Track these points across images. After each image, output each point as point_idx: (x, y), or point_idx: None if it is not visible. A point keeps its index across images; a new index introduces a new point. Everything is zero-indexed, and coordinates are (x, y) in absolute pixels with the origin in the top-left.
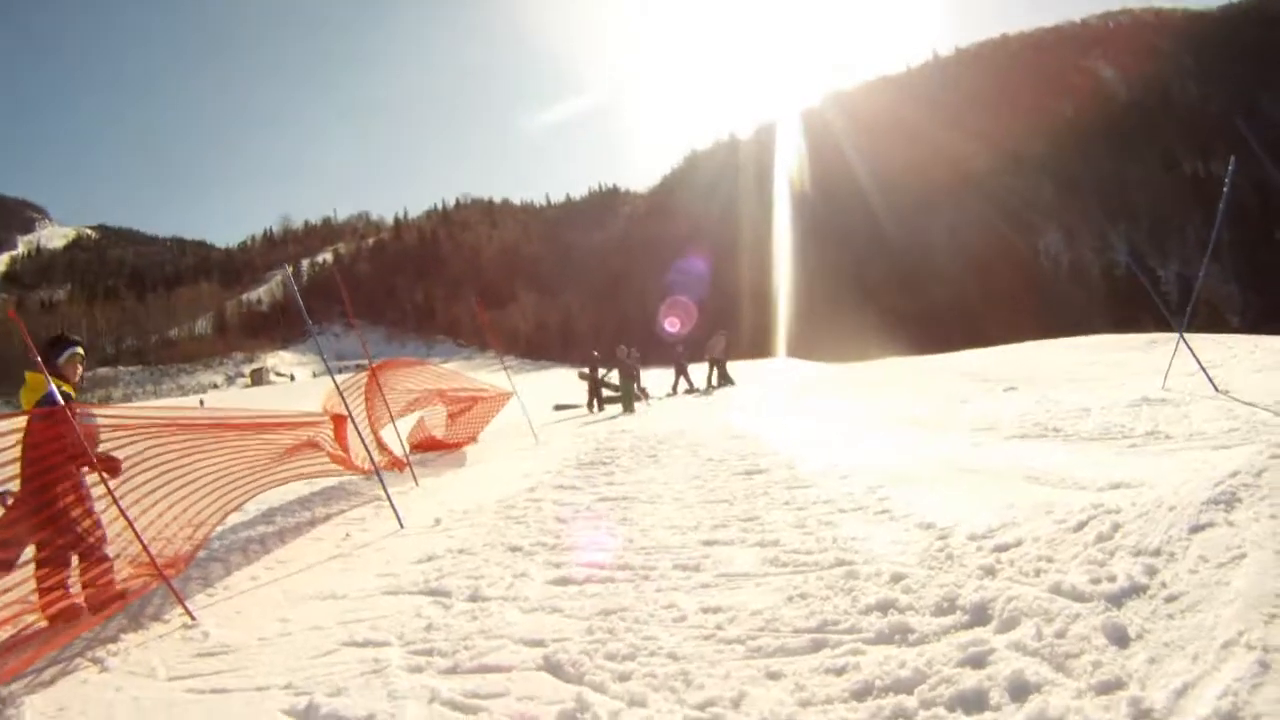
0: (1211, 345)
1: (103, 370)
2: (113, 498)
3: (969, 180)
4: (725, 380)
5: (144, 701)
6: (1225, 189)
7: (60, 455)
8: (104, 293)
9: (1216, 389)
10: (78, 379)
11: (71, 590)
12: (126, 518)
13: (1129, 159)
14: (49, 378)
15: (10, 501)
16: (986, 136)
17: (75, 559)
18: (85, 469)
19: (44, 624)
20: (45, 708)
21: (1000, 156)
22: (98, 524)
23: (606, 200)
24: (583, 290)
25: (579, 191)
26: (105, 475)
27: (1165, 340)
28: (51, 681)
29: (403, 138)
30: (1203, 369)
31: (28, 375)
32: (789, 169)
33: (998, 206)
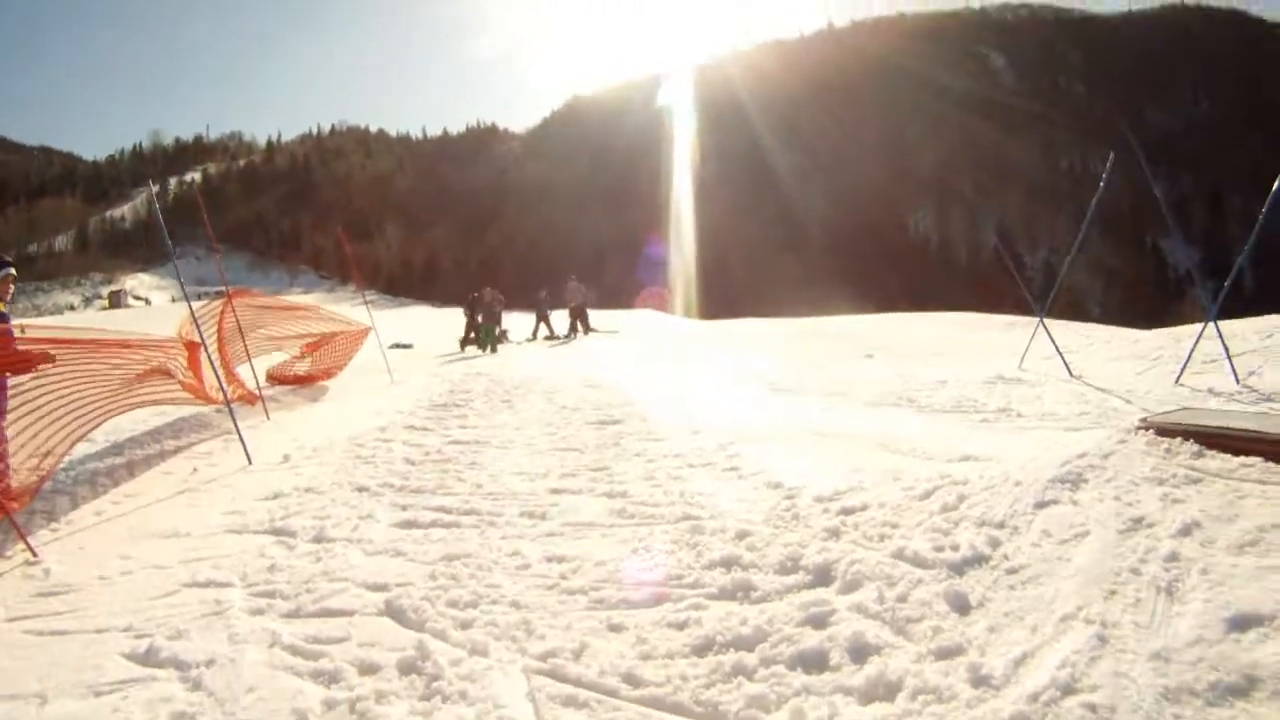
0: (1070, 332)
1: None
2: None
3: (851, 149)
4: (587, 328)
5: None
6: (1102, 183)
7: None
8: None
9: (1071, 373)
10: (9, 296)
11: None
12: None
13: (1009, 146)
14: None
15: None
16: (872, 108)
17: None
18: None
19: None
20: None
21: (883, 129)
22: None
23: (484, 138)
24: (452, 228)
25: (457, 128)
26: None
27: (1025, 323)
28: None
29: (282, 57)
30: (1059, 353)
31: None
32: (673, 121)
33: (876, 178)
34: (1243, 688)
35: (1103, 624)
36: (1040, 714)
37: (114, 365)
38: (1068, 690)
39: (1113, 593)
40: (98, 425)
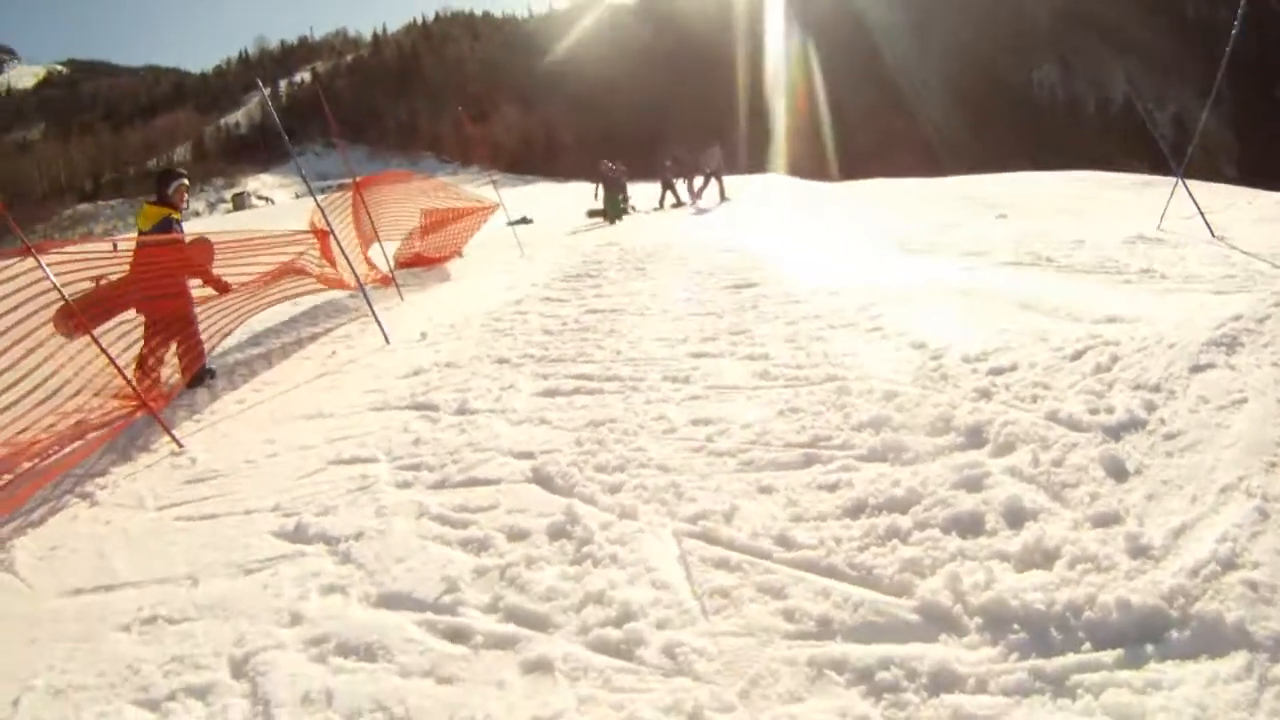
0: (1208, 192)
1: (82, 207)
2: (93, 338)
3: (967, 4)
4: (721, 194)
5: (133, 533)
6: (1235, 29)
7: (175, 265)
8: (79, 129)
9: (1213, 234)
10: (184, 204)
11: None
12: (106, 353)
13: None
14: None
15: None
16: None
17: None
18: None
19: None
20: (36, 549)
21: None
22: (195, 319)
23: (589, 10)
24: (568, 103)
25: (561, 2)
26: (217, 290)
27: (1160, 183)
28: (41, 521)
29: None
30: (1200, 213)
31: (145, 205)
32: None
33: (994, 32)
34: None
35: (1264, 497)
36: (1200, 589)
37: (249, 265)
38: (1229, 565)
39: (1274, 464)
40: (238, 325)
